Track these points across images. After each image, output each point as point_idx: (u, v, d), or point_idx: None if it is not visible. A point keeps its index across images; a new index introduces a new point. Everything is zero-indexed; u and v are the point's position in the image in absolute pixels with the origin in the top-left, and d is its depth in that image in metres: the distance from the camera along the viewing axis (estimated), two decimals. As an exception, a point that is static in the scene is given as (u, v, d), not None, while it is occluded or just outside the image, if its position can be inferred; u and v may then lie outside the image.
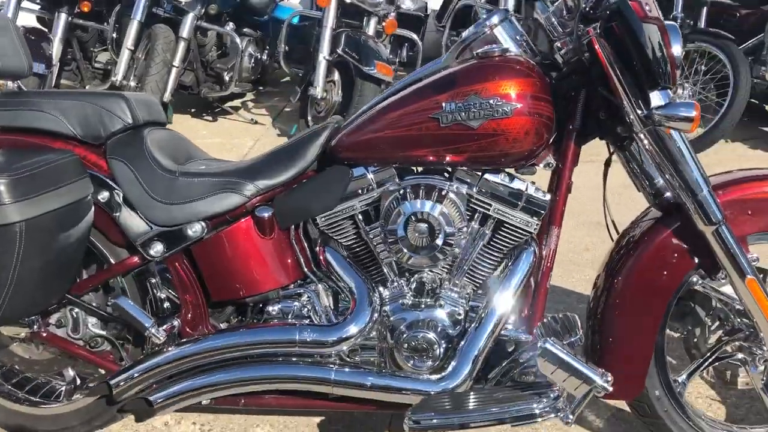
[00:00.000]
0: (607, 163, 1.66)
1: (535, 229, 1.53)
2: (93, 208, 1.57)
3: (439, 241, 1.47)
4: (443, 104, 1.44)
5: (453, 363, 1.51)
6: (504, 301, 1.52)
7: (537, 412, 1.40)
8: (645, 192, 1.65)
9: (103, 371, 1.74)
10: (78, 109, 1.59)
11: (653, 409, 1.63)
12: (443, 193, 1.48)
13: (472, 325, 1.53)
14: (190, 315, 1.63)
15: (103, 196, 1.58)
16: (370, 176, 1.55)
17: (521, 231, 1.53)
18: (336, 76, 4.21)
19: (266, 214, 1.57)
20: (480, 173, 1.52)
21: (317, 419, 1.88)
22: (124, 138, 1.61)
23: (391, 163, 1.54)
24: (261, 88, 6.08)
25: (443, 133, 1.45)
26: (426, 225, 1.47)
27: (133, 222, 1.58)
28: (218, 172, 1.62)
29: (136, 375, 1.56)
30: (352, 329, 1.51)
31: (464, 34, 1.56)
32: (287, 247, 1.62)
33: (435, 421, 1.42)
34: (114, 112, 1.59)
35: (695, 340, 1.68)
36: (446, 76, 1.48)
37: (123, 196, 1.57)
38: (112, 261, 1.65)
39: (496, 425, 1.43)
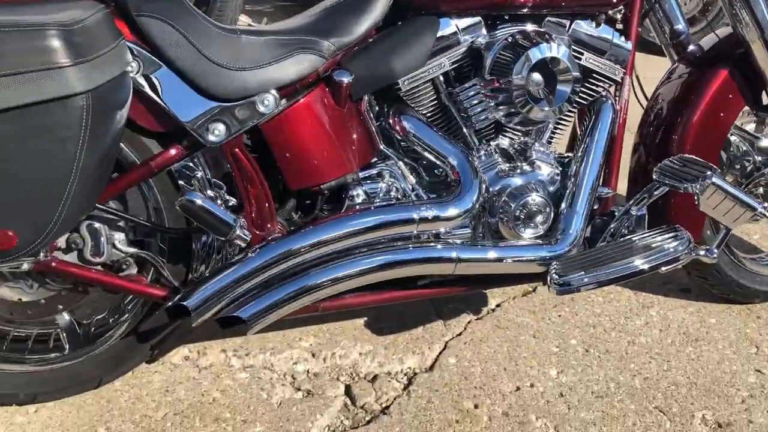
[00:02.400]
0: (644, 16, 1.65)
1: (621, 77, 1.48)
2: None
3: (567, 88, 1.34)
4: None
5: (562, 225, 1.43)
6: (596, 156, 1.46)
7: (681, 253, 1.38)
8: (672, 48, 1.69)
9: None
10: None
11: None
12: (552, 40, 1.35)
13: (569, 184, 1.46)
14: (255, 213, 1.32)
15: (133, 68, 1.18)
16: (458, 27, 1.36)
17: (608, 79, 1.47)
18: None
19: (345, 79, 1.31)
20: (568, 22, 1.42)
21: (361, 321, 1.69)
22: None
23: (476, 10, 1.37)
24: None
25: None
26: (547, 73, 1.33)
27: (183, 98, 1.21)
28: (284, 29, 1.30)
29: (220, 290, 1.23)
30: (468, 201, 1.34)
31: None
32: (361, 119, 1.38)
33: (586, 279, 1.34)
34: None
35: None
36: None
37: (167, 65, 1.19)
38: (136, 159, 1.26)
39: (649, 274, 1.39)
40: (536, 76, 1.33)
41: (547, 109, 1.35)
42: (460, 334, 1.68)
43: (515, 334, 1.69)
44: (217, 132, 1.24)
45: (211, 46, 1.21)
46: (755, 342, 1.71)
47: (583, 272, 1.34)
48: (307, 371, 1.55)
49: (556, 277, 1.35)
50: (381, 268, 1.30)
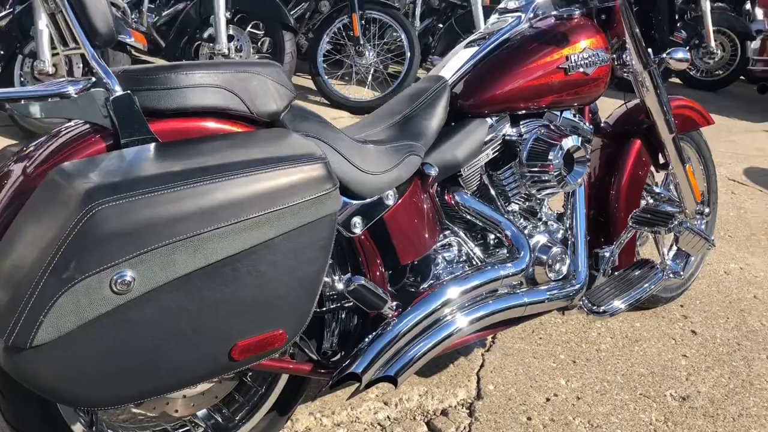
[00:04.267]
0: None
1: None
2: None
3: (584, 167, 1.80)
4: (568, 56, 1.76)
5: (572, 268, 1.88)
6: (582, 209, 1.95)
7: (664, 277, 1.90)
8: None
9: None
10: (245, 80, 1.33)
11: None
12: (569, 131, 1.81)
13: (569, 235, 1.92)
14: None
15: None
16: (494, 124, 1.76)
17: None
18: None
19: (433, 172, 1.63)
20: (559, 113, 1.90)
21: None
22: (296, 111, 1.42)
23: (507, 111, 1.78)
24: None
25: (568, 80, 1.78)
26: (570, 156, 1.77)
27: None
28: (390, 137, 1.58)
29: (377, 353, 1.47)
30: (527, 257, 1.73)
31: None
32: (434, 201, 1.70)
33: (615, 305, 1.80)
34: (281, 83, 1.39)
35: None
36: (557, 34, 1.79)
37: None
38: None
39: (650, 294, 1.88)
40: (566, 160, 1.77)
41: (573, 183, 1.80)
42: (482, 366, 2.05)
43: (520, 357, 2.10)
44: (358, 224, 1.48)
45: (354, 156, 1.46)
46: (671, 335, 2.32)
47: (610, 300, 1.81)
48: (388, 417, 1.80)
49: (591, 305, 1.79)
50: (487, 317, 1.63)
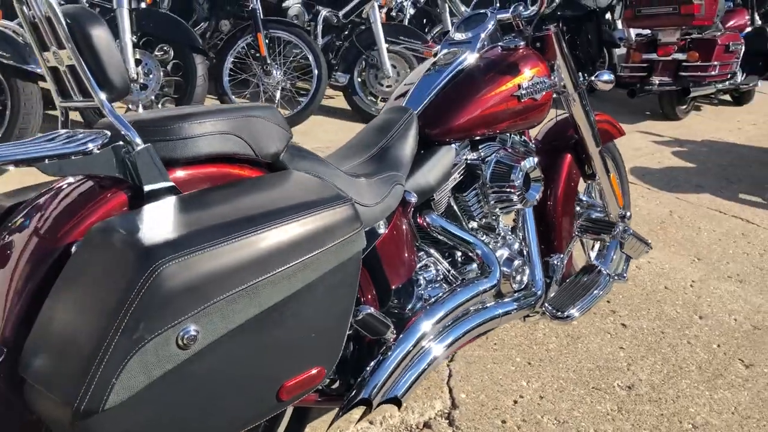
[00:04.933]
0: None
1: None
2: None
3: (540, 183, 1.95)
4: (520, 84, 1.91)
5: (530, 277, 2.03)
6: (531, 223, 2.11)
7: (612, 281, 2.09)
8: None
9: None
10: (250, 125, 1.37)
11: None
12: (522, 152, 1.96)
13: (524, 246, 2.07)
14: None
15: None
16: (457, 150, 1.89)
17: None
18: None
19: (413, 199, 1.73)
20: (509, 135, 2.05)
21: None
22: (292, 150, 1.47)
23: (469, 137, 1.91)
24: None
25: (520, 106, 1.93)
26: (528, 176, 1.92)
27: None
28: (373, 169, 1.65)
29: (386, 377, 1.54)
30: (497, 272, 1.86)
31: (481, 32, 2.00)
32: (413, 225, 1.80)
33: (573, 310, 1.96)
34: (280, 124, 1.43)
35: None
36: (508, 64, 1.93)
37: None
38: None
39: (603, 297, 2.05)
40: (525, 180, 1.92)
41: (531, 200, 1.95)
42: (450, 376, 2.16)
43: (482, 364, 2.24)
44: (357, 256, 1.55)
45: (351, 191, 1.52)
46: (605, 330, 2.55)
47: (571, 306, 1.98)
48: (376, 436, 1.87)
49: (555, 311, 1.95)
50: (471, 330, 1.75)
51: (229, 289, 1.05)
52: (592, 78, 2.20)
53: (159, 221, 1.08)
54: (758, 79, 7.40)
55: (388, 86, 5.11)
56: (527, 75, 1.95)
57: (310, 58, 4.56)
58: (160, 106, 3.90)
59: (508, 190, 1.89)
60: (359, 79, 5.14)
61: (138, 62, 3.81)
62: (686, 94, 6.37)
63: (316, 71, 4.60)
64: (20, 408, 1.11)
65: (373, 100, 5.25)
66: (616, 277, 2.20)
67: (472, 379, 2.16)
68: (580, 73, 2.20)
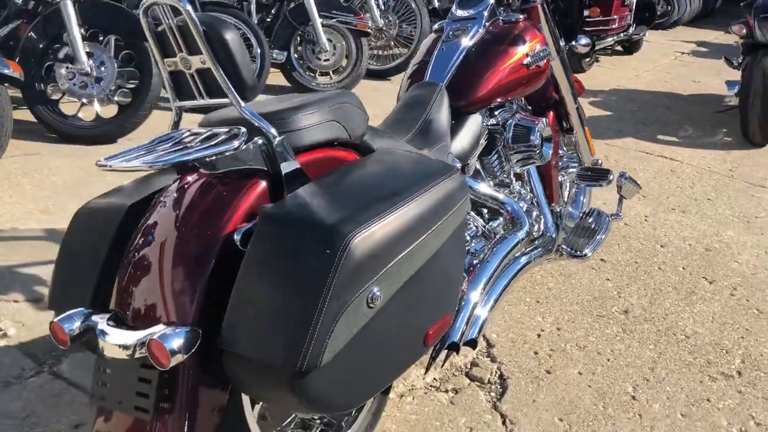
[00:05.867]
0: None
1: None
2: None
3: (551, 142, 2.19)
4: (528, 54, 2.14)
5: (543, 224, 2.29)
6: (536, 176, 2.37)
7: (611, 219, 2.38)
8: None
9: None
10: (344, 110, 1.51)
11: None
12: (533, 115, 2.20)
13: (535, 201, 2.33)
14: None
15: None
16: (482, 118, 2.10)
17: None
18: None
19: (458, 164, 1.93)
20: (515, 101, 2.28)
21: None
22: (370, 132, 1.63)
23: (489, 105, 2.12)
24: None
25: (529, 74, 2.16)
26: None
27: None
28: (426, 142, 1.84)
29: (465, 322, 1.75)
30: (526, 224, 2.10)
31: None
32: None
33: (587, 247, 2.24)
34: (360, 108, 1.59)
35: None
36: (514, 37, 2.15)
37: None
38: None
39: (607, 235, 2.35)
40: (543, 138, 2.15)
41: (547, 156, 2.19)
42: (477, 321, 2.41)
43: (499, 308, 2.49)
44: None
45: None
46: (589, 266, 2.87)
47: (585, 246, 2.26)
48: (435, 378, 2.09)
49: (572, 251, 2.23)
50: (516, 275, 1.99)
51: (397, 254, 1.23)
52: (573, 42, 2.46)
53: (325, 201, 1.24)
54: (646, 29, 8.03)
55: (326, 60, 5.22)
56: (531, 45, 2.18)
57: (251, 37, 4.60)
58: (116, 98, 3.84)
59: (528, 149, 2.13)
60: (296, 55, 5.22)
61: (89, 55, 3.74)
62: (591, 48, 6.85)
63: (258, 50, 4.64)
64: (210, 381, 1.24)
65: (312, 74, 5.34)
66: (613, 217, 2.50)
67: (497, 321, 2.42)
68: (561, 39, 2.46)
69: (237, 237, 1.25)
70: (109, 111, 3.93)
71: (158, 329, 1.17)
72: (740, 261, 3.01)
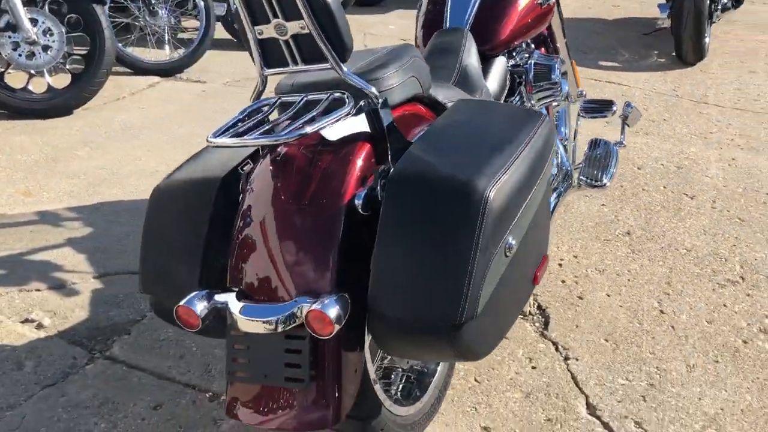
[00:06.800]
0: None
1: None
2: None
3: (567, 81, 2.26)
4: (538, -7, 2.19)
5: (561, 161, 2.39)
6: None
7: (617, 145, 2.49)
8: None
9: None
10: (416, 66, 1.52)
11: None
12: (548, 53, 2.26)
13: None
14: None
15: None
16: (505, 59, 2.15)
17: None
18: None
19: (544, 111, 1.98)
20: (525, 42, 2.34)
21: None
22: (434, 87, 1.64)
23: (510, 47, 2.16)
24: None
25: (542, 12, 2.21)
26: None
27: None
28: (469, 89, 1.87)
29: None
30: (554, 160, 2.18)
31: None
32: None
33: (604, 176, 2.35)
34: (423, 60, 1.60)
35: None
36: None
37: None
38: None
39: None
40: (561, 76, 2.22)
41: (565, 91, 2.26)
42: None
43: (517, 242, 2.60)
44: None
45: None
46: (582, 194, 3.01)
47: (601, 176, 2.37)
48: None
49: (591, 181, 2.33)
50: (558, 201, 2.08)
51: (522, 202, 1.28)
52: None
53: (446, 157, 1.26)
54: (562, -45, 8.17)
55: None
56: (540, -16, 2.22)
57: (195, -9, 4.40)
58: (68, 67, 3.61)
59: (550, 87, 2.19)
60: (234, 6, 5.01)
61: (33, 22, 3.48)
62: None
63: (202, 3, 4.44)
64: (350, 344, 1.27)
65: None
66: (618, 145, 2.62)
67: (518, 255, 2.52)
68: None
69: (358, 202, 1.26)
70: (61, 81, 3.70)
71: (309, 300, 1.18)
72: (710, 175, 3.24)
